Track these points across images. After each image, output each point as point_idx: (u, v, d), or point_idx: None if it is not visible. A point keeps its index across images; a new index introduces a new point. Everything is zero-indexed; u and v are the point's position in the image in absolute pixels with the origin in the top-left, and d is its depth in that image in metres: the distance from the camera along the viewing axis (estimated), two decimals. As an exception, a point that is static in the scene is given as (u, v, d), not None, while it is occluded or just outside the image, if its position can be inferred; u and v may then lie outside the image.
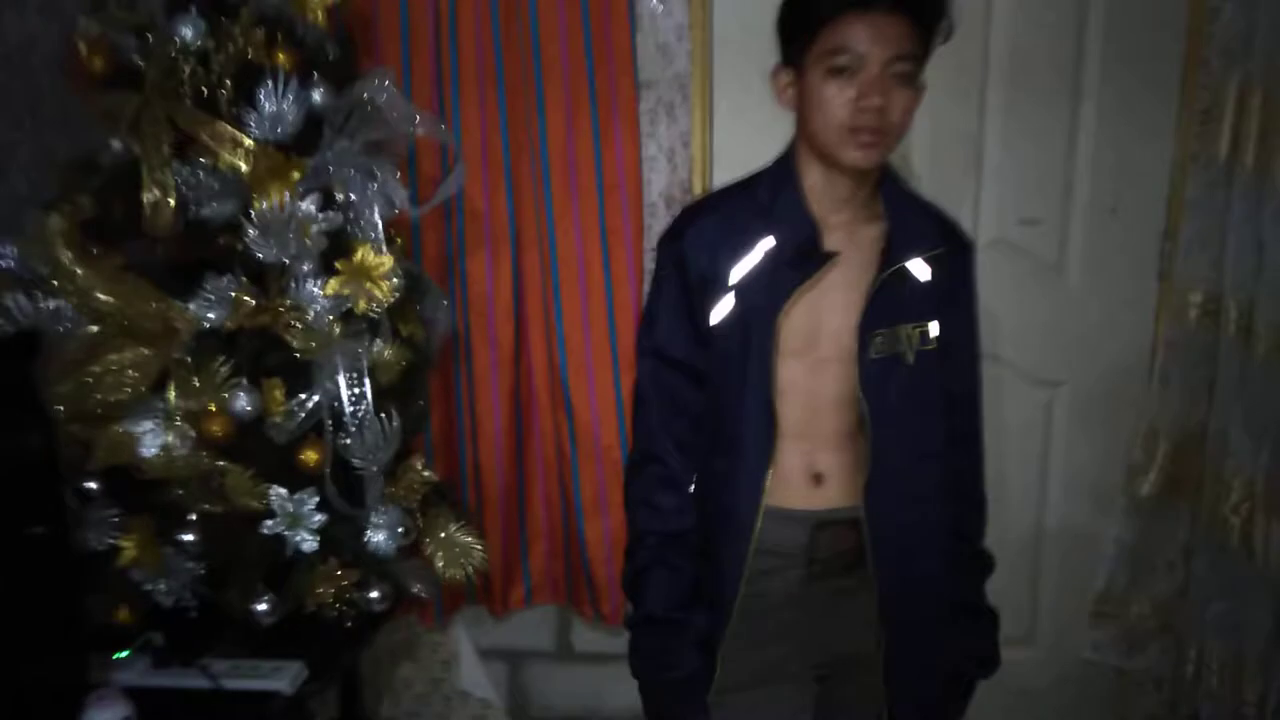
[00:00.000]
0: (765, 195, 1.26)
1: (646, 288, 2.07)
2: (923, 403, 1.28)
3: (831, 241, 1.24)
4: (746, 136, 1.97)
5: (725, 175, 1.99)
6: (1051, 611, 2.19)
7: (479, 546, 1.76)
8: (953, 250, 1.29)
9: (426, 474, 1.75)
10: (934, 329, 1.27)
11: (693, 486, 1.31)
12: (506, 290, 2.02)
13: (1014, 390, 2.08)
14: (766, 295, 1.23)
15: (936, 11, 1.15)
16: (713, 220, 1.27)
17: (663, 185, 2.03)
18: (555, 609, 2.28)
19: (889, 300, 1.24)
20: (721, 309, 1.25)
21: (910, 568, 1.28)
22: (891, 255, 1.24)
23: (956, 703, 1.37)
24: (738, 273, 1.24)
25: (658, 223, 2.05)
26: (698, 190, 2.02)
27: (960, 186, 1.98)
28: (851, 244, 1.25)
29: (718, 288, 1.25)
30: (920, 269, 1.26)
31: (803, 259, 1.23)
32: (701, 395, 1.29)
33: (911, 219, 1.27)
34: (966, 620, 1.37)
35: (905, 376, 1.26)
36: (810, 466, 1.29)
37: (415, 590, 1.73)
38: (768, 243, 1.24)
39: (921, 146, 1.95)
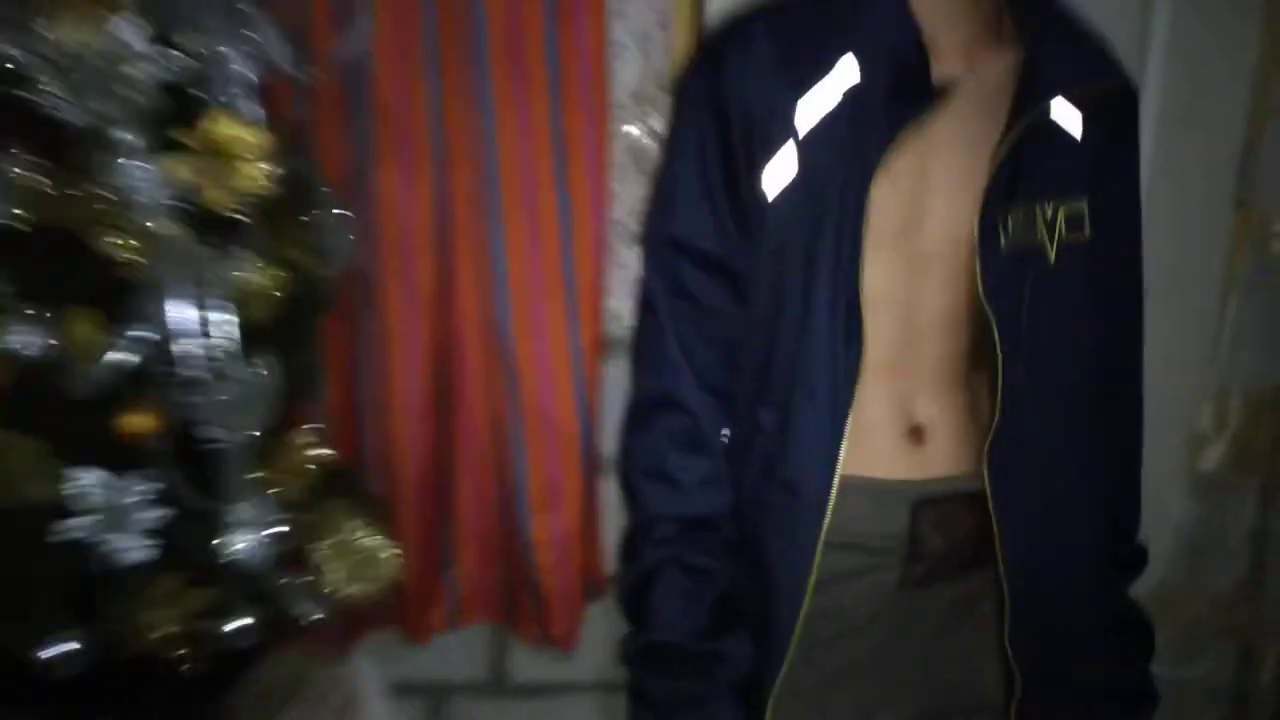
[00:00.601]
0: (844, 2, 0.82)
1: (611, 213, 1.65)
2: (1073, 324, 0.87)
3: (943, 70, 0.81)
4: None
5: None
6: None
7: (392, 551, 1.28)
8: (1116, 94, 0.88)
9: (317, 452, 1.26)
10: (1088, 210, 0.85)
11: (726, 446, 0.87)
12: (427, 215, 1.53)
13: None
14: (850, 151, 0.81)
15: None
16: (764, 36, 0.83)
17: (633, 80, 1.58)
18: (489, 630, 1.80)
19: (1025, 163, 0.83)
20: (780, 170, 0.81)
21: (1053, 566, 0.87)
22: (1030, 95, 0.82)
23: None
24: (805, 115, 0.81)
25: (623, 127, 1.61)
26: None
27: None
28: (972, 78, 0.83)
29: (774, 135, 0.82)
30: (1070, 119, 0.85)
31: (904, 95, 0.80)
32: (741, 309, 0.85)
33: (1061, 43, 0.86)
34: (1120, 640, 0.95)
35: (1045, 282, 0.84)
36: (907, 416, 0.87)
37: (300, 616, 1.24)
38: (849, 71, 0.81)
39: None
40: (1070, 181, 0.85)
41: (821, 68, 0.81)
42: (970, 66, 0.83)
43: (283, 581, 1.19)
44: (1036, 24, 0.84)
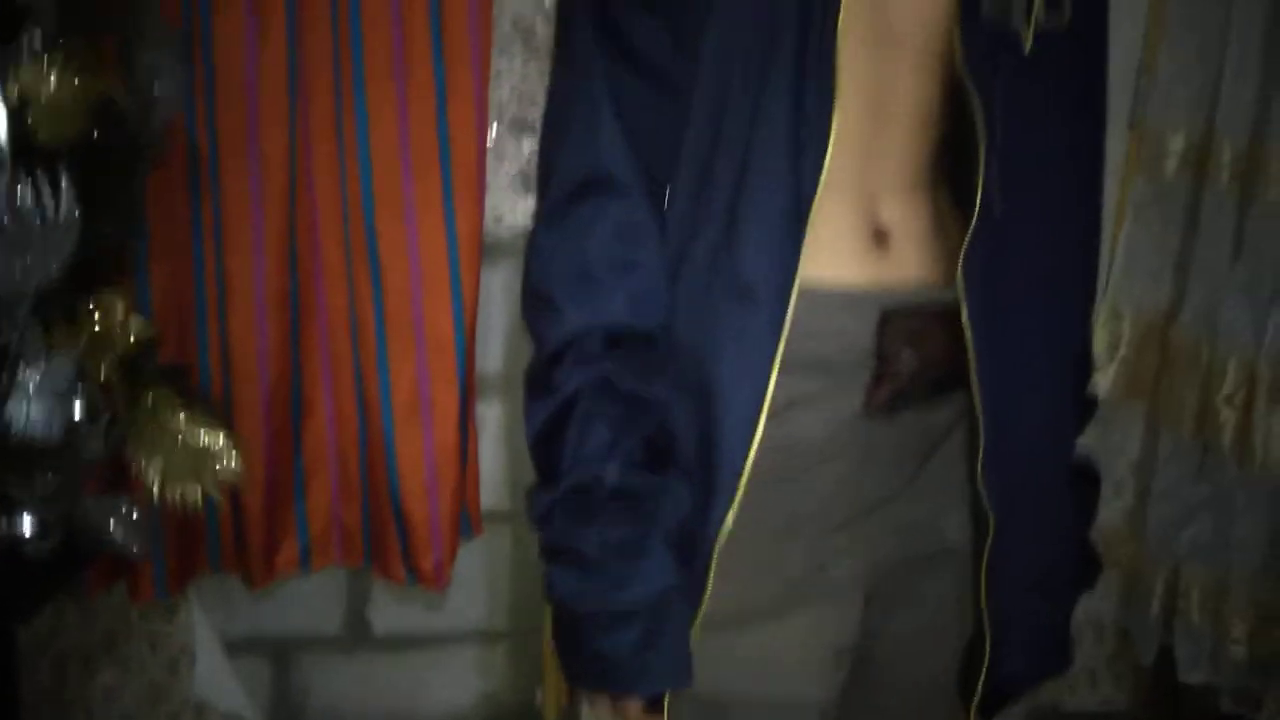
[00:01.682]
0: None
1: (494, 95, 1.47)
2: (1045, 125, 0.76)
3: None
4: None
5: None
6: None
7: (228, 446, 1.07)
8: None
9: (136, 324, 1.04)
10: None
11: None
12: (279, 71, 1.32)
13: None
14: None
15: None
16: None
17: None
18: (345, 575, 1.58)
19: None
20: None
21: (1029, 398, 0.76)
22: None
23: (1067, 623, 0.86)
24: None
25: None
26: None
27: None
28: None
29: None
30: None
31: None
32: (684, 64, 0.69)
33: None
34: (1078, 493, 0.86)
35: (1019, 75, 0.73)
36: (871, 217, 0.74)
37: (113, 537, 1.02)
38: None
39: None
40: None
41: None
42: None
43: (91, 501, 0.97)
44: None
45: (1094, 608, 1.82)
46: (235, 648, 1.57)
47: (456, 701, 1.64)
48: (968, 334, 0.72)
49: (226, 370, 1.38)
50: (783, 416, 0.69)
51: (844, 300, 0.72)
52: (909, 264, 0.74)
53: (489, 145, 1.45)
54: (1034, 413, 0.77)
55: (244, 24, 1.28)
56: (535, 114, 1.48)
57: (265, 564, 1.47)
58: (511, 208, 1.51)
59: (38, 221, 0.85)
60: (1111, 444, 1.73)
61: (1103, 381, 1.70)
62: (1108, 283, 1.68)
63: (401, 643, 1.63)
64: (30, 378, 0.87)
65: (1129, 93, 1.64)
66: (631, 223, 0.70)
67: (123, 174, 1.06)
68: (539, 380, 0.71)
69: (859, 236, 0.73)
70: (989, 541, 0.75)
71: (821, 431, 0.72)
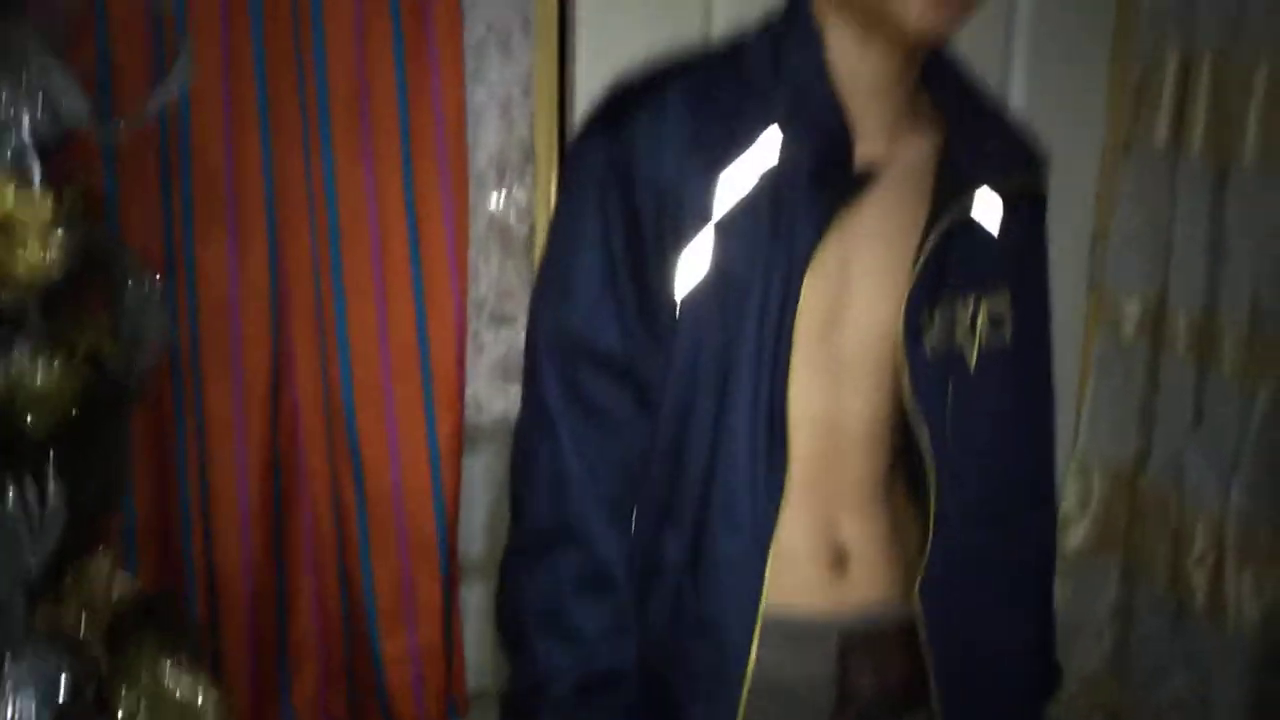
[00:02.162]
0: (763, 65, 0.74)
1: (473, 293, 1.51)
2: (990, 432, 0.80)
3: (866, 152, 0.74)
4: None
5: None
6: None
7: (209, 695, 1.07)
8: (1034, 179, 0.83)
9: (121, 581, 1.05)
10: (1007, 309, 0.79)
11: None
12: (261, 290, 1.35)
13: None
14: (771, 242, 0.72)
15: None
16: (681, 105, 0.72)
17: (495, 147, 1.46)
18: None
19: (948, 257, 0.76)
20: (694, 262, 0.71)
21: (984, 694, 0.79)
22: (954, 181, 0.76)
23: None
24: (723, 198, 0.71)
25: (485, 201, 1.49)
26: (542, 155, 1.47)
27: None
28: (893, 162, 0.75)
29: (689, 222, 0.71)
30: (991, 210, 0.78)
31: (829, 179, 0.72)
32: (646, 422, 0.74)
33: (978, 126, 0.80)
34: None
35: (968, 392, 0.77)
36: (830, 540, 0.77)
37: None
38: (770, 145, 0.72)
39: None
40: (992, 276, 0.79)
41: (742, 142, 0.71)
42: (892, 149, 0.76)
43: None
44: (955, 105, 0.79)
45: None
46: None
47: None
48: (927, 659, 0.75)
49: (212, 576, 1.38)
50: None
51: (805, 629, 0.74)
52: (866, 586, 0.77)
53: (470, 338, 1.48)
54: (994, 711, 0.79)
55: (225, 248, 1.32)
56: (512, 307, 1.52)
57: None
58: (491, 397, 1.53)
59: (24, 524, 0.87)
60: (1086, 594, 1.76)
61: (1077, 534, 1.74)
62: (1075, 437, 1.73)
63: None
64: (15, 674, 0.88)
65: (1085, 254, 1.71)
66: (597, 570, 0.72)
67: (113, 425, 1.08)
68: (511, 706, 0.73)
69: (819, 560, 0.76)
70: None
71: None
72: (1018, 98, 1.61)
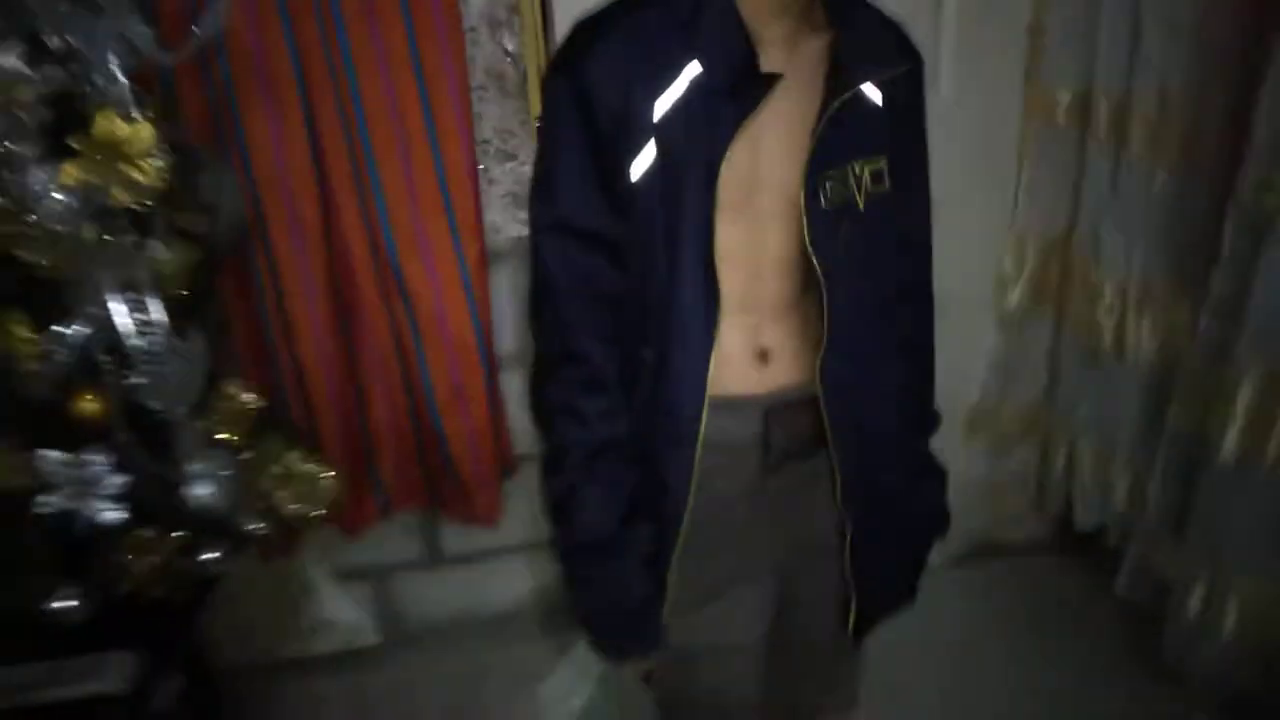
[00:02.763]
0: (684, 6, 0.97)
1: (478, 134, 1.76)
2: (879, 256, 1.08)
3: (769, 61, 0.97)
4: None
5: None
6: (930, 431, 2.17)
7: (328, 474, 1.47)
8: (909, 65, 1.07)
9: (247, 399, 1.41)
10: (886, 165, 1.05)
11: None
12: (302, 155, 1.61)
13: (886, 213, 1.94)
14: (702, 136, 0.97)
15: None
16: (620, 41, 0.96)
17: (483, 3, 1.66)
18: (418, 515, 2.02)
19: (838, 134, 1.01)
20: (642, 160, 0.97)
21: (871, 440, 1.13)
22: (843, 76, 1.00)
23: (918, 570, 1.27)
24: (659, 109, 0.96)
25: (480, 53, 1.70)
26: (526, 8, 1.66)
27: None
28: (792, 64, 0.99)
29: (635, 131, 0.96)
30: (872, 92, 1.03)
31: (739, 86, 0.96)
32: (621, 271, 1.03)
33: (864, 28, 1.03)
34: (923, 483, 1.25)
35: (859, 227, 1.05)
36: (755, 343, 1.08)
37: (253, 530, 1.43)
38: (693, 68, 0.96)
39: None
40: (875, 143, 1.04)
41: (671, 69, 0.95)
42: (791, 55, 0.99)
43: (238, 511, 1.37)
44: (843, 14, 1.01)
45: (1020, 467, 2.24)
46: (345, 577, 2.04)
47: (516, 599, 2.12)
48: (825, 418, 1.08)
49: (301, 386, 1.75)
50: (705, 480, 1.07)
51: (739, 407, 1.07)
52: (783, 374, 1.09)
53: (481, 174, 1.75)
54: (876, 451, 1.13)
55: (268, 121, 1.57)
56: (514, 144, 1.76)
57: (356, 517, 1.90)
58: (505, 221, 1.81)
59: (187, 361, 1.21)
60: (1025, 343, 2.09)
61: (1014, 293, 2.04)
62: (1014, 211, 1.99)
63: (469, 557, 2.08)
64: (198, 467, 1.26)
65: (1021, 50, 1.88)
66: (593, 376, 1.04)
67: (213, 281, 1.40)
68: (550, 468, 1.06)
69: (747, 358, 1.07)
70: (848, 540, 1.14)
71: (732, 487, 1.10)
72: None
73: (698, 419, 1.04)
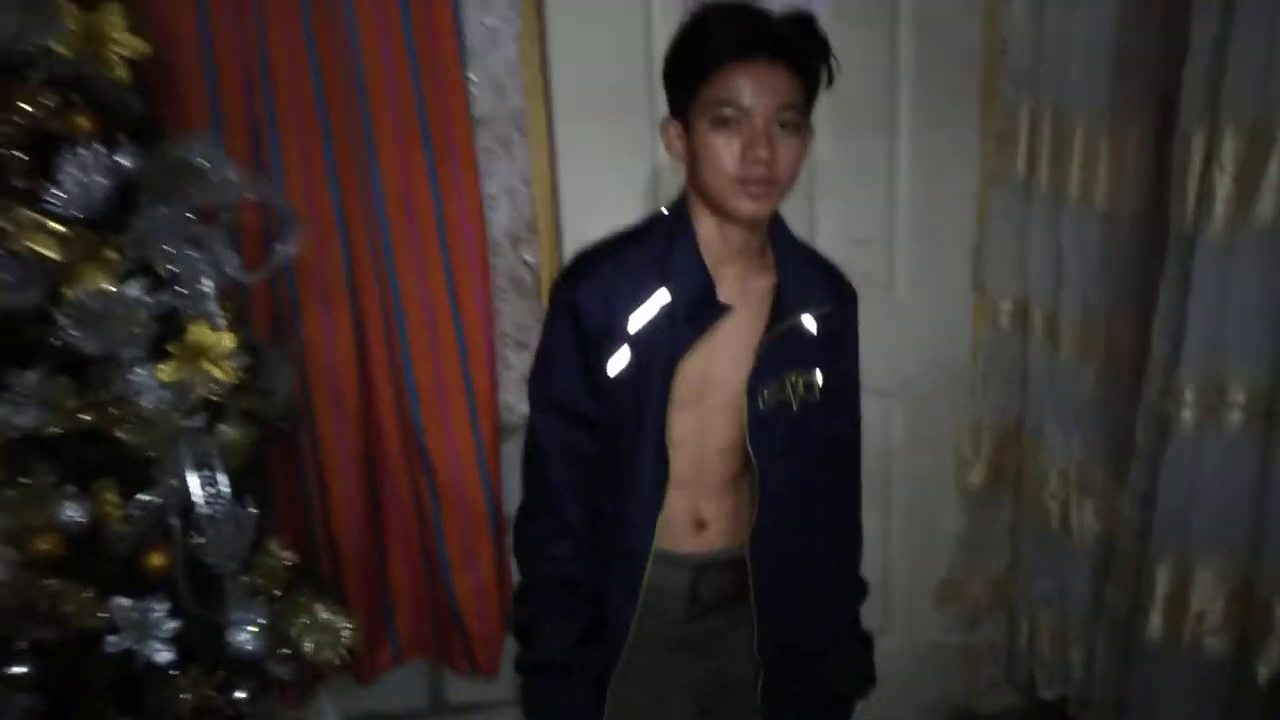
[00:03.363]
0: (661, 247, 1.25)
1: (498, 327, 2.05)
2: (808, 448, 1.33)
3: (724, 293, 1.25)
4: (592, 172, 1.96)
5: (574, 211, 1.99)
6: (904, 601, 2.33)
7: (348, 625, 1.67)
8: (841, 304, 1.34)
9: (284, 556, 1.64)
10: (819, 378, 1.31)
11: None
12: (347, 345, 1.91)
13: (855, 400, 2.19)
14: (664, 349, 1.23)
15: (817, 60, 1.18)
16: (608, 271, 1.24)
17: (506, 223, 1.99)
18: (425, 665, 2.20)
19: (777, 352, 1.27)
20: (618, 361, 1.24)
21: (792, 601, 1.35)
22: (782, 310, 1.27)
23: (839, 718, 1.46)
24: (634, 324, 1.23)
25: (502, 261, 2.01)
26: (543, 229, 1.99)
27: (796, 209, 2.04)
28: (743, 296, 1.27)
29: (614, 339, 1.23)
30: (809, 323, 1.30)
31: (698, 312, 1.23)
32: (596, 442, 1.28)
33: (802, 273, 1.31)
34: (848, 644, 1.44)
35: (791, 424, 1.30)
36: (694, 513, 1.31)
37: (281, 676, 1.62)
38: (663, 296, 1.23)
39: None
40: (809, 360, 1.30)
41: (645, 294, 1.22)
42: (742, 288, 1.26)
43: (268, 656, 1.58)
44: (785, 259, 1.29)
45: (991, 636, 2.39)
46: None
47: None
48: (751, 579, 1.30)
49: (331, 543, 1.98)
50: (644, 618, 1.29)
51: (676, 562, 1.30)
52: (716, 539, 1.32)
53: (499, 361, 2.03)
54: (796, 609, 1.34)
55: (323, 324, 1.88)
56: (529, 335, 2.05)
57: (370, 664, 2.09)
58: (518, 401, 2.06)
59: (241, 525, 1.45)
60: (987, 519, 2.28)
61: (975, 474, 2.25)
62: (970, 401, 2.23)
63: (472, 708, 2.22)
64: (240, 616, 1.48)
65: (969, 262, 2.18)
66: (566, 526, 1.28)
67: (267, 454, 1.66)
68: (519, 596, 1.30)
69: (687, 524, 1.30)
70: (762, 678, 1.34)
71: (663, 626, 1.31)
72: (906, 146, 2.07)
73: (644, 566, 1.27)
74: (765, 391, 1.28)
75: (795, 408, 1.30)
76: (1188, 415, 1.62)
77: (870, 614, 2.28)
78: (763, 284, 1.30)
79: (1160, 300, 1.70)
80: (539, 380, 1.31)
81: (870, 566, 2.24)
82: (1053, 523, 2.08)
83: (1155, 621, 1.71)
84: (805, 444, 1.33)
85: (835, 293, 1.35)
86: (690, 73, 1.17)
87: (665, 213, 1.29)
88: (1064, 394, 2.02)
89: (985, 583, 2.33)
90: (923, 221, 2.12)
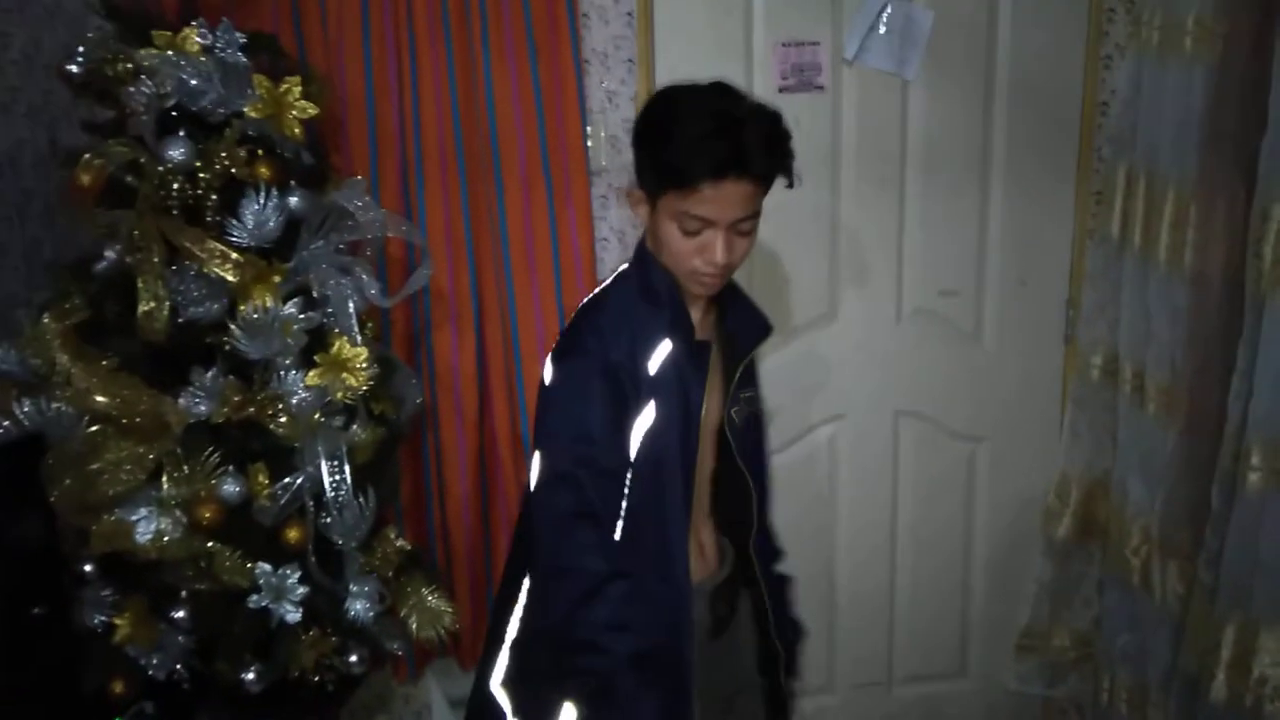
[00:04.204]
0: (666, 302, 1.33)
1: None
2: (759, 455, 1.54)
3: (699, 332, 1.38)
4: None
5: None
6: (981, 646, 2.37)
7: (449, 610, 1.90)
8: (769, 332, 1.50)
9: (400, 543, 1.88)
10: (758, 396, 1.52)
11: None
12: (470, 363, 2.16)
13: (940, 445, 2.27)
14: (679, 392, 1.32)
15: (782, 174, 1.27)
16: (625, 336, 1.32)
17: (614, 262, 2.20)
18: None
19: (740, 380, 1.44)
20: (648, 410, 1.31)
21: (777, 589, 1.55)
22: (739, 344, 1.43)
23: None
24: (650, 369, 1.31)
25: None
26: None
27: (884, 261, 2.17)
28: (708, 334, 1.42)
29: (640, 391, 1.29)
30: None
31: (697, 354, 1.35)
32: (621, 495, 1.29)
33: (739, 300, 1.46)
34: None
35: (753, 434, 1.51)
36: (697, 540, 1.46)
37: (392, 649, 1.87)
38: (666, 344, 1.32)
39: (848, 227, 2.14)
40: (752, 378, 1.48)
41: (655, 345, 1.30)
42: (705, 328, 1.38)
43: (380, 628, 1.82)
44: (730, 300, 1.41)
45: (1075, 693, 2.37)
46: (456, 704, 2.42)
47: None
48: (761, 582, 1.48)
49: (446, 537, 2.23)
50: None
51: (695, 589, 1.40)
52: (711, 562, 1.47)
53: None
54: (777, 590, 1.54)
55: (450, 338, 2.14)
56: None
57: (472, 652, 2.32)
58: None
59: (360, 512, 1.71)
60: (1073, 569, 2.29)
61: (1061, 526, 2.27)
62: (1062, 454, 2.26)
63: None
64: (357, 589, 1.74)
65: (1063, 318, 2.22)
66: (639, 590, 1.29)
67: (392, 452, 1.92)
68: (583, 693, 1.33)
69: (696, 554, 1.43)
70: (783, 657, 1.52)
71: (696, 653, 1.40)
72: (999, 199, 2.16)
73: (690, 603, 1.36)
74: (734, 413, 1.43)
75: (749, 420, 1.49)
76: (1254, 479, 1.63)
77: (947, 655, 2.36)
78: (711, 316, 1.44)
79: (1237, 364, 1.72)
80: (575, 446, 1.26)
81: (949, 606, 2.35)
82: (1134, 580, 2.08)
83: (1220, 683, 1.71)
84: (758, 448, 1.53)
85: (765, 326, 1.49)
86: (663, 179, 1.24)
87: (639, 266, 1.38)
88: (1149, 451, 2.03)
89: (1070, 635, 2.33)
90: (1013, 274, 2.18)
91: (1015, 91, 2.09)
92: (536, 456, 1.32)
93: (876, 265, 2.16)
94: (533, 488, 1.33)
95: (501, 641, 1.47)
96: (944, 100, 2.09)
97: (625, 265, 1.45)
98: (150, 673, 1.65)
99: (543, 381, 1.38)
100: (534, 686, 1.35)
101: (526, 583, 1.44)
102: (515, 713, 1.42)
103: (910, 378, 2.23)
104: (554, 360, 1.35)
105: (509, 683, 1.44)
